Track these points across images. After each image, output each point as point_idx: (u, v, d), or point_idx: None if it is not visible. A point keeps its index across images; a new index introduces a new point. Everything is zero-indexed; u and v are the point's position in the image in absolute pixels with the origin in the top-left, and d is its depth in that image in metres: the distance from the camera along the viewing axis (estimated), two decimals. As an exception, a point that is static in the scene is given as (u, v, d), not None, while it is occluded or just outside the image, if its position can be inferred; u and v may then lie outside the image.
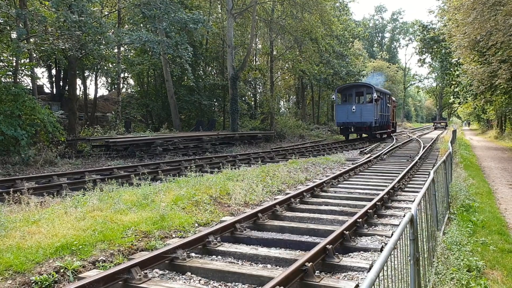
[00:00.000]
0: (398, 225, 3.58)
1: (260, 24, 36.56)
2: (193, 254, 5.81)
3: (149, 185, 9.66)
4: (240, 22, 35.26)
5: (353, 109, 29.80)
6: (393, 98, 41.27)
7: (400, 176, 11.62)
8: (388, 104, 35.46)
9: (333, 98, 33.48)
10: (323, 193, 10.27)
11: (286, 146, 26.51)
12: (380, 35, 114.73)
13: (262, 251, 5.98)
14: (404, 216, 3.19)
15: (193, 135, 23.46)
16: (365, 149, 21.86)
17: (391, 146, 23.90)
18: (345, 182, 12.02)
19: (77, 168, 15.34)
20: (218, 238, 6.30)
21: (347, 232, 6.25)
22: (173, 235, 6.81)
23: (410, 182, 11.89)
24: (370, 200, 8.90)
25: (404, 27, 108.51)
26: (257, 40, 40.76)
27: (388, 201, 9.01)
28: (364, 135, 33.57)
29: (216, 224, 7.37)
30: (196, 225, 7.46)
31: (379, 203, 8.38)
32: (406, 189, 10.84)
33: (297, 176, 12.78)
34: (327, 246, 5.48)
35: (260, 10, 34.17)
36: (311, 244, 6.10)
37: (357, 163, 15.56)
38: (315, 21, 34.57)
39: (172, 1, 22.62)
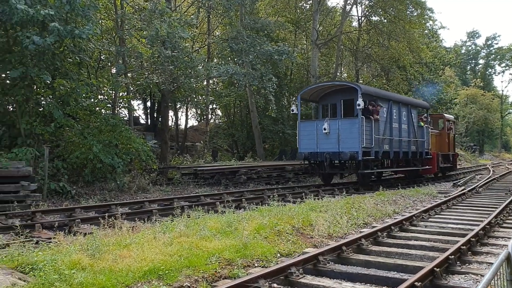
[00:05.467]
0: (495, 265, 3.29)
1: (345, 53, 36.44)
2: (275, 285, 5.76)
3: (233, 213, 9.80)
4: (325, 52, 35.41)
5: (325, 129, 17.21)
6: (447, 116, 26.79)
7: (497, 211, 10.73)
8: (420, 123, 21.85)
9: (292, 111, 19.30)
10: (412, 227, 9.76)
11: (373, 177, 25.69)
12: (473, 61, 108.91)
13: (346, 285, 5.78)
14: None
15: (276, 164, 23.61)
16: (459, 182, 20.60)
17: (488, 178, 22.29)
18: (436, 216, 11.35)
19: (167, 195, 16.06)
20: (301, 269, 6.19)
21: (438, 269, 5.86)
22: (255, 264, 6.82)
23: (509, 217, 10.94)
24: (464, 235, 8.30)
25: (500, 52, 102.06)
26: (342, 69, 40.58)
27: (483, 237, 8.35)
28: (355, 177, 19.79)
29: (298, 256, 7.27)
30: (278, 255, 7.41)
31: (473, 239, 7.79)
32: (504, 225, 9.98)
33: (384, 208, 12.30)
34: (416, 283, 5.16)
35: (345, 40, 34.11)
36: (398, 281, 5.79)
37: (449, 196, 14.67)
38: (403, 49, 33.75)
39: (258, 35, 23.36)
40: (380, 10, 32.65)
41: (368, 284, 5.99)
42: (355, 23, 37.98)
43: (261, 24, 25.35)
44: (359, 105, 16.15)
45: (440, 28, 55.75)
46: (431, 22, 43.47)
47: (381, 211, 11.97)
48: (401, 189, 16.73)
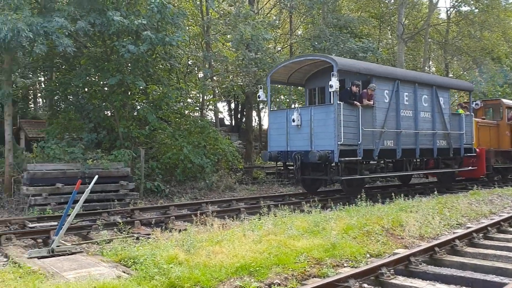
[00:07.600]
0: None
1: (433, 46, 34.78)
2: (365, 285, 5.72)
3: (320, 213, 9.80)
4: (411, 46, 34.04)
5: (294, 120, 13.36)
6: (506, 102, 20.30)
7: None
8: (458, 110, 17.45)
9: (258, 97, 15.24)
10: (512, 229, 9.17)
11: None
12: None
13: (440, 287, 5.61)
14: None
15: (363, 164, 23.13)
16: None
17: None
18: (539, 217, 10.53)
19: (253, 194, 16.44)
20: (391, 270, 6.09)
21: (544, 274, 5.48)
22: (345, 264, 6.80)
23: None
24: None
25: None
26: (430, 63, 38.76)
27: None
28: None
29: (388, 256, 7.14)
30: (368, 255, 7.32)
31: None
32: None
33: (479, 208, 11.64)
34: (519, 288, 4.89)
35: (433, 32, 32.57)
36: (497, 284, 5.50)
37: (555, 196, 13.52)
38: (497, 39, 31.54)
39: (341, 32, 23.07)
40: (471, -1, 30.80)
41: (464, 287, 5.75)
42: (443, 15, 36.23)
43: (344, 21, 24.96)
44: (331, 86, 11.93)
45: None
46: (529, 8, 40.06)
47: (476, 211, 11.35)
48: (498, 188, 15.71)
